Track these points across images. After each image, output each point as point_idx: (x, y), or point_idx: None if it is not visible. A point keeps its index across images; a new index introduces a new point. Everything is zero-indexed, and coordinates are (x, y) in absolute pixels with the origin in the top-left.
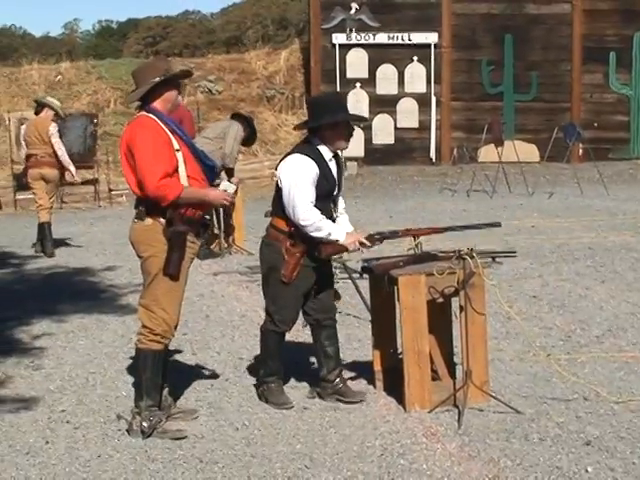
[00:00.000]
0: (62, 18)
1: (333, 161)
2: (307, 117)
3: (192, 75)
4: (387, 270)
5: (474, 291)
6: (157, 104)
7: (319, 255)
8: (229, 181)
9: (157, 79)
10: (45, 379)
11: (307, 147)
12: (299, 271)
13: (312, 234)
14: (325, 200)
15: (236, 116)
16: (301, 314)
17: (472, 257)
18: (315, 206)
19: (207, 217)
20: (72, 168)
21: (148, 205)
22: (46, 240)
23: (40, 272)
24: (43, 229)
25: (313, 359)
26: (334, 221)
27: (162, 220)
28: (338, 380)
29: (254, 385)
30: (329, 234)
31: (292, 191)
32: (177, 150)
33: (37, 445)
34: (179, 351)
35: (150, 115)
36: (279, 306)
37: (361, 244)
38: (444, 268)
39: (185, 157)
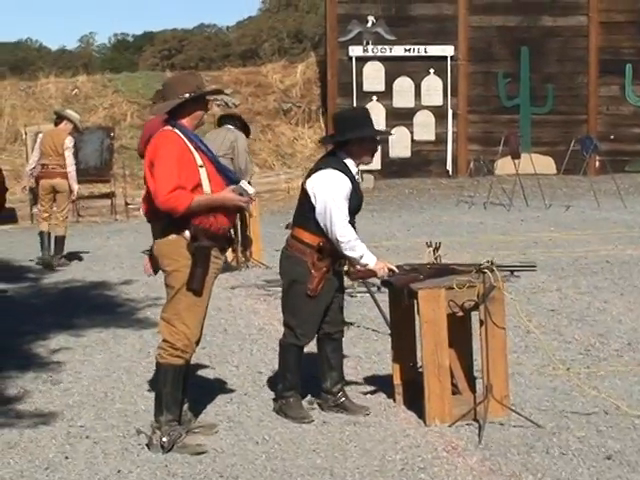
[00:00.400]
0: (78, 31)
1: (358, 176)
2: (333, 131)
3: (222, 94)
4: (407, 284)
5: (494, 305)
6: (183, 119)
7: (350, 278)
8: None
9: (187, 95)
10: (63, 394)
11: (336, 161)
12: (323, 285)
13: (345, 252)
14: (352, 216)
15: (226, 120)
16: None
17: (492, 271)
18: (350, 222)
19: (231, 232)
20: (75, 186)
21: (172, 220)
22: (44, 249)
23: (57, 286)
24: (43, 237)
25: (311, 371)
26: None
27: (186, 234)
28: (340, 394)
29: (273, 399)
30: (362, 256)
31: (329, 206)
32: (201, 166)
33: (56, 460)
34: (198, 365)
35: (175, 130)
36: (302, 320)
37: (390, 270)
38: (464, 282)
39: (209, 173)
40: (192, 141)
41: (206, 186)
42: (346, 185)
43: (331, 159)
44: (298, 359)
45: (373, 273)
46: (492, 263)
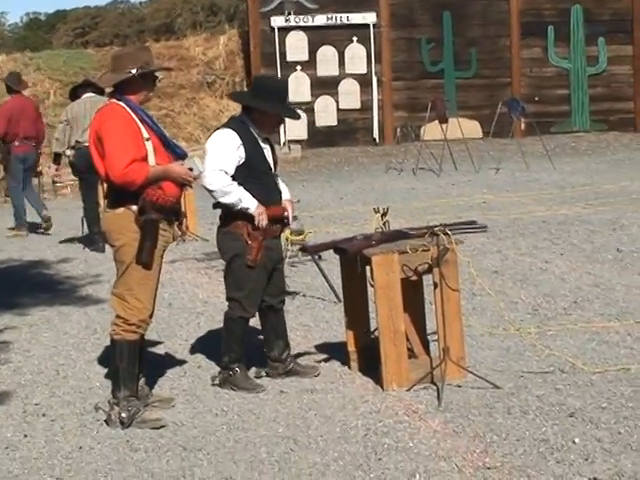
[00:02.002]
0: None
1: (261, 138)
2: (250, 91)
3: (171, 70)
4: (360, 250)
5: (448, 268)
6: (130, 93)
7: (304, 252)
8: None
9: (134, 70)
10: (14, 373)
11: (234, 122)
12: (262, 253)
13: (221, 200)
14: (266, 174)
15: (84, 89)
16: None
17: (446, 234)
18: (258, 182)
19: (179, 205)
20: None
21: (119, 193)
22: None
23: None
24: None
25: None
26: (280, 197)
27: (133, 208)
28: (289, 360)
29: (218, 373)
30: (240, 200)
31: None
32: (147, 139)
33: (15, 439)
34: (147, 340)
35: (120, 103)
36: (248, 291)
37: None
38: (418, 245)
39: (155, 146)
40: (138, 114)
41: (151, 159)
42: (230, 140)
43: (231, 121)
44: (244, 331)
45: (329, 246)
46: (445, 226)
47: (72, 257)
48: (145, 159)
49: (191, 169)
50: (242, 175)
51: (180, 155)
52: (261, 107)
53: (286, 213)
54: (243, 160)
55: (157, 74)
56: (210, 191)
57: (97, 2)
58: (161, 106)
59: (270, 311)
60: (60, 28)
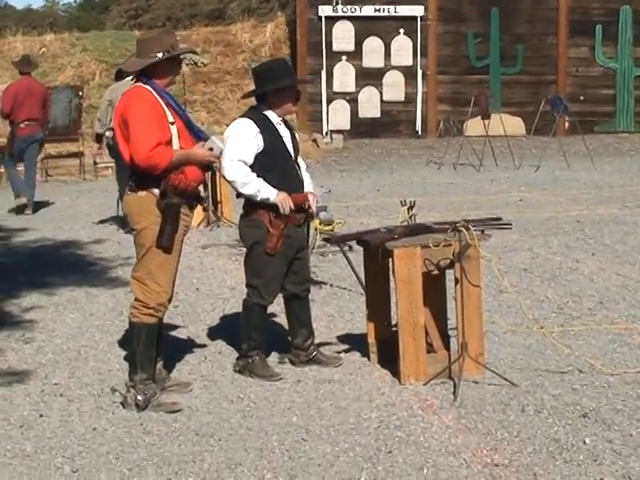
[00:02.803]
0: None
1: (282, 125)
2: (254, 85)
3: (195, 53)
4: (382, 242)
5: (469, 263)
6: (156, 77)
7: (330, 242)
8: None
9: (160, 54)
10: (37, 352)
11: (251, 111)
12: (282, 242)
13: (240, 190)
14: (286, 162)
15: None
16: None
17: (468, 229)
18: (278, 170)
19: (200, 190)
20: None
21: (141, 176)
22: None
23: (27, 245)
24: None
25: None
26: (302, 184)
27: (155, 191)
28: (312, 348)
29: (236, 359)
30: (258, 191)
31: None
32: (172, 123)
33: (31, 418)
34: (171, 324)
35: (146, 86)
36: (266, 279)
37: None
38: (440, 240)
39: (179, 130)
40: (163, 97)
41: (175, 143)
42: (248, 130)
43: (249, 111)
44: (263, 318)
45: (353, 237)
46: (468, 222)
47: (105, 238)
48: (170, 143)
49: (211, 149)
50: (261, 163)
51: (203, 139)
52: (274, 86)
53: (308, 202)
54: (262, 148)
55: (203, 60)
56: (229, 182)
57: None
58: (205, 91)
59: (294, 299)
60: (113, 9)
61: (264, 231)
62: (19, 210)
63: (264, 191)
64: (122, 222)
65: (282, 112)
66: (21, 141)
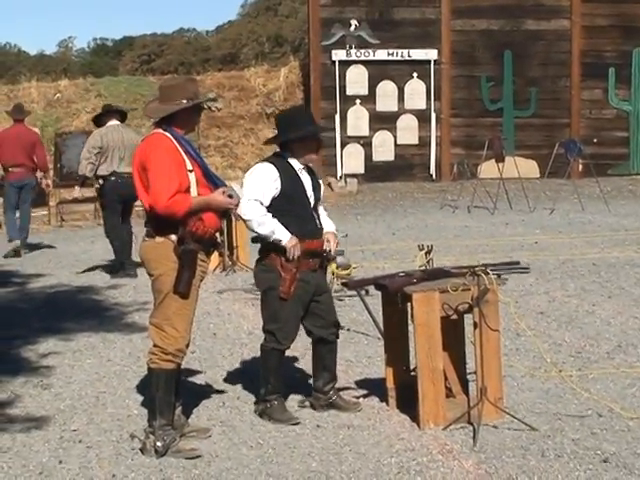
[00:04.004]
0: (57, 36)
1: (305, 172)
2: (277, 132)
3: (216, 101)
4: (401, 287)
5: (488, 308)
6: (176, 124)
7: (347, 287)
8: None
9: (184, 101)
10: (55, 398)
11: (274, 157)
12: (296, 286)
13: (255, 230)
14: (304, 208)
15: (108, 116)
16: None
17: (486, 273)
18: (294, 214)
19: (217, 236)
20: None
21: (158, 222)
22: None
23: (43, 290)
24: None
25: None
26: (319, 232)
27: (173, 237)
28: (332, 392)
29: (254, 403)
30: (273, 232)
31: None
32: (190, 171)
33: (50, 465)
34: (188, 369)
35: (166, 134)
36: (281, 323)
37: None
38: (458, 285)
39: (197, 178)
40: (182, 145)
41: (193, 191)
42: (268, 173)
43: (272, 156)
44: (280, 363)
45: (371, 282)
46: (486, 266)
47: (121, 284)
48: (188, 190)
49: (231, 196)
50: (278, 206)
51: (220, 186)
52: (297, 135)
53: (326, 246)
54: (279, 192)
55: (217, 104)
56: (245, 220)
57: (164, 29)
58: (219, 135)
59: (321, 343)
60: (126, 54)
61: (277, 275)
62: (15, 254)
63: (278, 233)
64: (110, 268)
65: (304, 161)
66: (9, 185)
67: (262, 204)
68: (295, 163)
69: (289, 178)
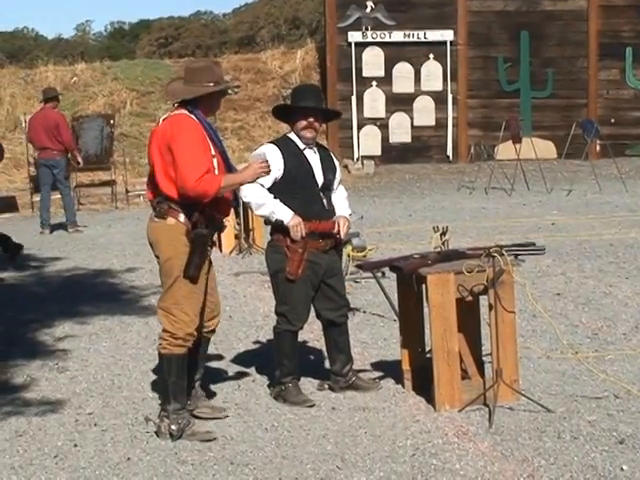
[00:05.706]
0: (74, 20)
1: (312, 151)
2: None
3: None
4: (415, 269)
5: (503, 289)
6: (201, 107)
7: (362, 269)
8: None
9: (211, 85)
10: (70, 381)
11: (278, 138)
12: (304, 266)
13: (256, 212)
14: (309, 189)
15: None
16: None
17: (502, 255)
18: (298, 196)
19: (225, 220)
20: None
21: (171, 204)
22: None
23: (60, 274)
24: None
25: (313, 356)
26: (328, 213)
27: (183, 220)
28: (351, 374)
29: (267, 386)
30: (273, 212)
31: None
32: (213, 156)
33: (65, 448)
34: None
35: (192, 116)
36: (292, 304)
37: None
38: (473, 266)
39: (218, 164)
40: (207, 130)
41: None
42: (268, 154)
43: (278, 138)
44: (294, 344)
45: (385, 264)
46: (501, 247)
47: (138, 267)
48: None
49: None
50: (281, 188)
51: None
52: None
53: (335, 229)
54: (282, 173)
55: (236, 89)
56: (245, 203)
57: (181, 13)
58: (236, 118)
59: (331, 326)
60: (143, 38)
61: (284, 256)
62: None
63: (279, 213)
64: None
65: (300, 137)
66: (41, 165)
67: (262, 185)
68: (299, 142)
69: (293, 158)
